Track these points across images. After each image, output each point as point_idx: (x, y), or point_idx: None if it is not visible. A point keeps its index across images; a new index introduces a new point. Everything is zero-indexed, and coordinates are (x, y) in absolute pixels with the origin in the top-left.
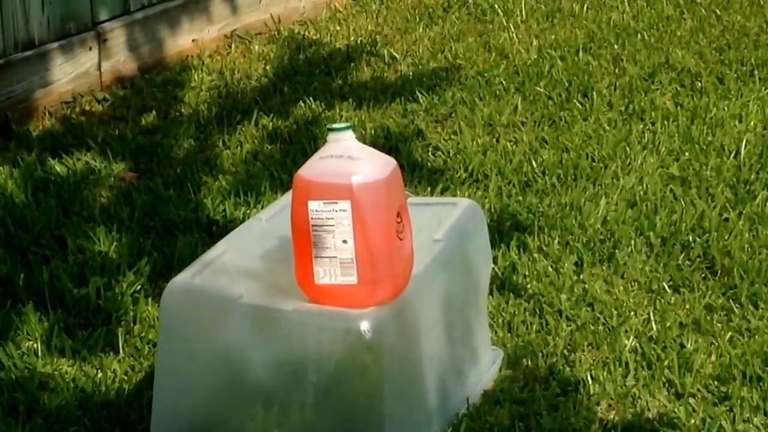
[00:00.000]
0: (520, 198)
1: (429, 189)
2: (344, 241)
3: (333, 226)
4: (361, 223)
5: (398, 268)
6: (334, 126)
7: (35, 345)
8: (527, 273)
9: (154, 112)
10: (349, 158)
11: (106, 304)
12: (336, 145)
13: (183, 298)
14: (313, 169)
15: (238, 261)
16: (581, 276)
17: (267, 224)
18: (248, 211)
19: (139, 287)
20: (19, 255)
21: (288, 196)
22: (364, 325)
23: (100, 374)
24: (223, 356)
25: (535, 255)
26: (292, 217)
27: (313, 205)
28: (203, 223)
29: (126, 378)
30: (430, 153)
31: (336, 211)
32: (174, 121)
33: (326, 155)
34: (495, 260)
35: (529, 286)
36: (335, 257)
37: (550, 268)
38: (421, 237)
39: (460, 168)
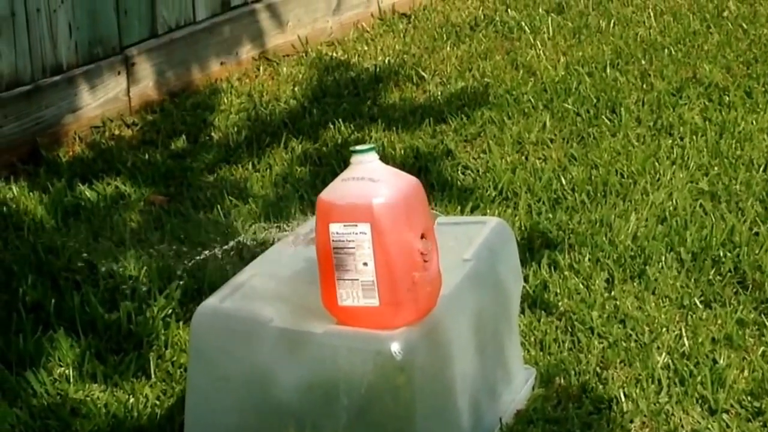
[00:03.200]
0: (550, 215)
1: (459, 208)
2: (365, 264)
3: (353, 248)
4: (381, 246)
5: (422, 290)
6: (357, 148)
7: (67, 371)
8: (558, 291)
9: (183, 136)
10: (370, 180)
11: (137, 328)
12: (359, 167)
13: (213, 321)
14: (334, 191)
15: (267, 284)
16: (612, 293)
17: (295, 246)
18: (278, 234)
19: (170, 311)
20: (50, 281)
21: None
22: (395, 347)
23: (132, 399)
24: (254, 379)
25: (566, 272)
26: (316, 240)
27: (334, 227)
28: (234, 245)
29: (158, 403)
30: (459, 172)
31: (356, 233)
32: (203, 144)
33: (348, 177)
34: (526, 278)
35: (560, 303)
36: (356, 280)
37: (581, 286)
38: (451, 256)
39: (489, 186)
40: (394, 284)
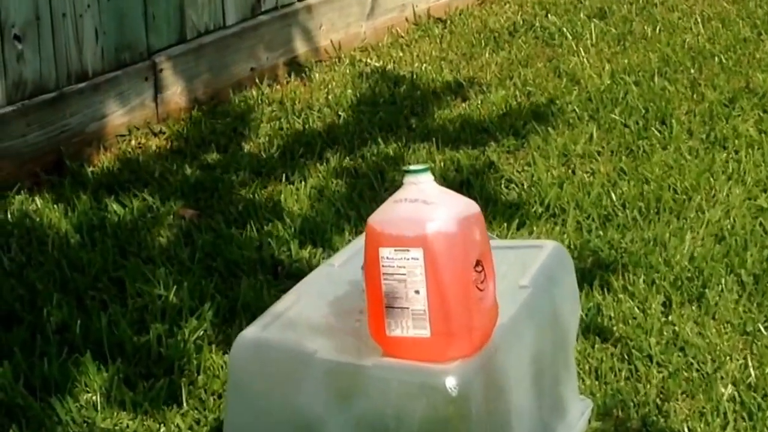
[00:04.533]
0: (601, 233)
1: (504, 225)
2: (416, 292)
3: (404, 275)
4: (434, 273)
5: (476, 321)
6: (411, 168)
7: (94, 397)
8: (613, 314)
9: (213, 145)
10: (423, 203)
11: (167, 352)
12: (411, 188)
13: (253, 353)
14: (385, 213)
15: (309, 311)
16: (670, 317)
17: (339, 270)
18: (314, 251)
19: (201, 333)
20: (76, 300)
21: (362, 239)
22: (450, 382)
23: (163, 429)
24: (298, 414)
25: (620, 295)
26: (364, 264)
27: (384, 252)
28: (268, 264)
29: None
30: (503, 186)
31: (407, 259)
32: (234, 155)
33: (400, 199)
34: None
35: (615, 328)
36: (407, 308)
37: (636, 309)
38: (506, 283)
39: (535, 202)
40: (447, 314)
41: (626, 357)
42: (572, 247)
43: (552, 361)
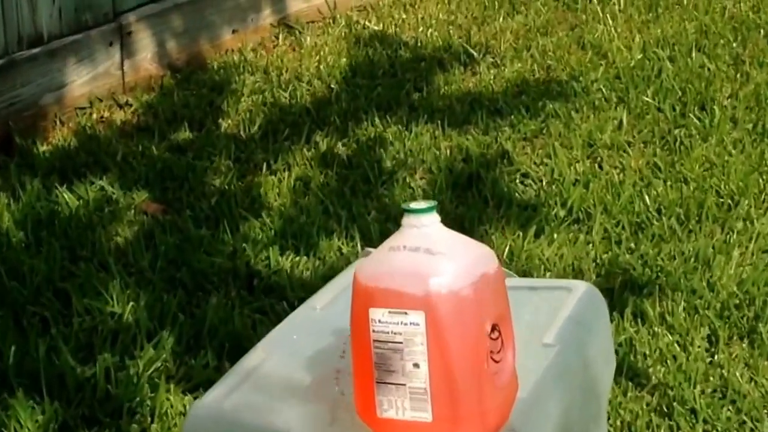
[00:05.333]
0: (633, 245)
1: (519, 233)
2: (415, 365)
3: (401, 343)
4: (439, 343)
5: (490, 401)
6: (412, 206)
7: None
8: (648, 352)
9: (185, 122)
10: (427, 252)
11: (116, 391)
12: (412, 232)
13: (213, 428)
14: (379, 264)
15: (285, 371)
16: (716, 357)
17: (322, 314)
18: (296, 259)
19: (159, 366)
20: (12, 317)
21: (351, 273)
22: None
23: None
24: None
25: (657, 328)
26: (351, 325)
27: (375, 313)
28: (242, 275)
29: None
30: (518, 182)
31: (406, 324)
32: (209, 135)
33: (397, 246)
34: None
35: (651, 370)
36: (403, 385)
37: (676, 346)
38: (527, 337)
39: (556, 203)
40: (453, 393)
41: (665, 410)
42: (599, 261)
43: (581, 426)
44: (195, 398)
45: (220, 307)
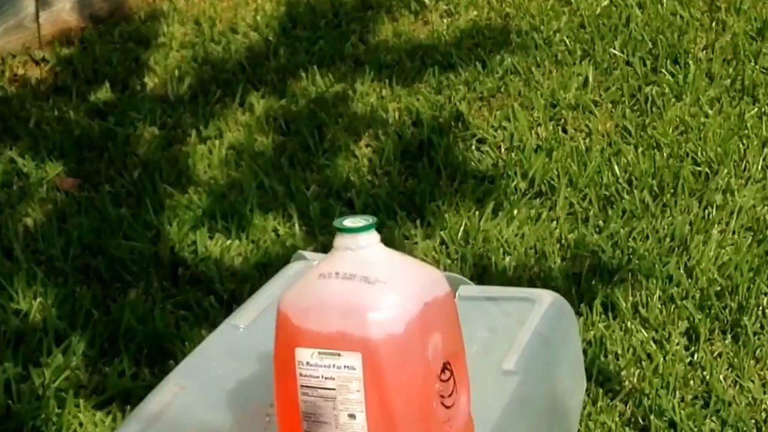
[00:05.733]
0: (601, 223)
1: (474, 210)
2: (351, 416)
3: (334, 390)
4: (378, 389)
5: None
6: (345, 223)
7: None
8: (620, 351)
9: (107, 83)
10: (364, 280)
11: (18, 406)
12: (346, 255)
13: None
14: (306, 294)
15: (201, 410)
16: (696, 356)
17: (246, 334)
18: (227, 244)
19: (69, 374)
20: None
21: (284, 278)
22: None
23: None
24: None
25: (630, 322)
26: (274, 366)
27: (302, 354)
28: (165, 263)
29: None
30: (473, 149)
31: (339, 367)
32: (133, 96)
33: (329, 272)
34: None
35: (624, 373)
36: None
37: (652, 344)
38: (485, 363)
39: (515, 174)
40: None
41: (641, 421)
42: (564, 243)
43: None
44: (108, 413)
45: (139, 302)
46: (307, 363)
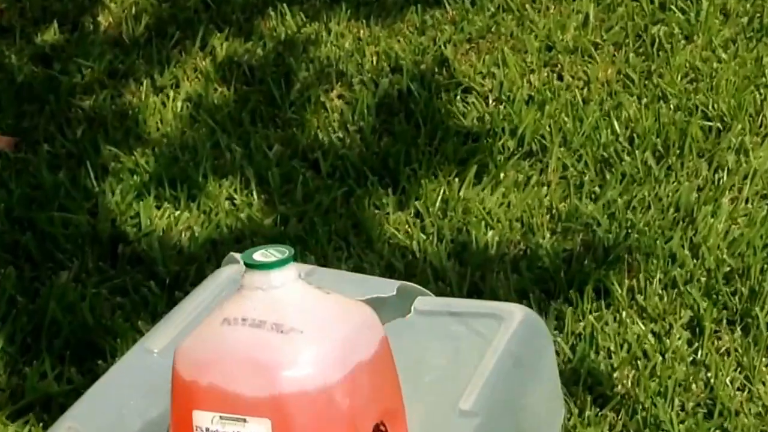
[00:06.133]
0: (597, 189)
1: (455, 174)
2: None
3: None
4: None
5: None
6: (255, 257)
7: None
8: (613, 348)
9: (56, 22)
10: (276, 329)
11: None
12: (256, 297)
13: None
14: (206, 345)
15: None
16: (700, 353)
17: (159, 361)
18: (176, 216)
19: None
20: None
21: (212, 287)
22: None
23: None
24: None
25: (625, 312)
26: (171, 425)
27: (201, 419)
28: (103, 240)
29: None
30: (458, 102)
31: None
32: (83, 38)
33: (234, 318)
34: (560, 316)
35: (616, 375)
36: None
37: (650, 339)
38: (440, 399)
39: (504, 131)
40: None
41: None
42: (555, 214)
43: None
44: (26, 423)
45: (69, 288)
46: (207, 429)
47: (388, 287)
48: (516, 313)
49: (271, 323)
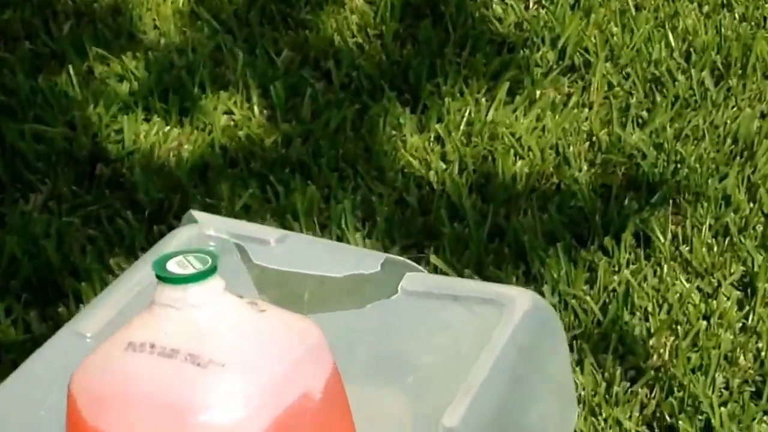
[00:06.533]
0: (645, 114)
1: (485, 89)
2: None
3: None
4: None
5: None
6: (170, 267)
7: None
8: (651, 308)
9: None
10: (191, 361)
11: None
12: (169, 317)
13: None
14: (102, 377)
15: None
16: (751, 319)
17: (94, 347)
18: (164, 133)
19: None
20: None
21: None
22: None
23: None
24: None
25: (666, 265)
26: None
27: None
28: (80, 157)
29: None
30: (494, 4)
31: None
32: None
33: (141, 343)
34: (592, 266)
35: (652, 344)
36: None
37: (693, 299)
38: (419, 410)
39: (542, 42)
40: None
41: (667, 419)
42: (594, 143)
43: None
44: None
45: (33, 218)
46: None
47: (371, 261)
48: (521, 299)
49: (185, 353)
